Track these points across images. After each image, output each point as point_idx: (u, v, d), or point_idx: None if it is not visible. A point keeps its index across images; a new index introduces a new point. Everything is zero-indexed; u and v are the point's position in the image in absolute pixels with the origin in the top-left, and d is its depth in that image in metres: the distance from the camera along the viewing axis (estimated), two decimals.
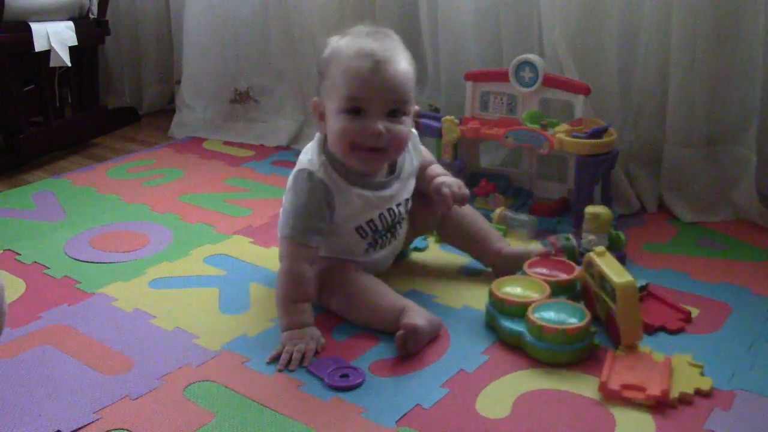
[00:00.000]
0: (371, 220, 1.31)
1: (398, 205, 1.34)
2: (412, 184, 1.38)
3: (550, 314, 1.19)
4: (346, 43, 1.25)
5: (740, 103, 1.66)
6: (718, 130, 1.71)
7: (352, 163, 1.27)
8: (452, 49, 1.95)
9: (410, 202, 1.38)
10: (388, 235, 1.36)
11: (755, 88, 1.62)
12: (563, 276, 1.32)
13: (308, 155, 1.31)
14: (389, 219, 1.33)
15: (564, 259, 1.39)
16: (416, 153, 1.38)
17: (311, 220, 1.26)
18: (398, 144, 1.26)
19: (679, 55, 1.65)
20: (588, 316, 1.19)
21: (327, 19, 2.14)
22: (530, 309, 1.20)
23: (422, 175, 1.41)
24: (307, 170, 1.27)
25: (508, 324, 1.21)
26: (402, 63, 1.24)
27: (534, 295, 1.25)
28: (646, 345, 1.18)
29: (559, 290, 1.29)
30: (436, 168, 1.42)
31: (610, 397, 1.08)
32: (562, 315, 1.19)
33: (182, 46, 2.48)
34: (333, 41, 1.28)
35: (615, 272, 1.17)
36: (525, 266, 1.36)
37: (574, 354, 1.16)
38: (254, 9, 2.36)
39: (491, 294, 1.27)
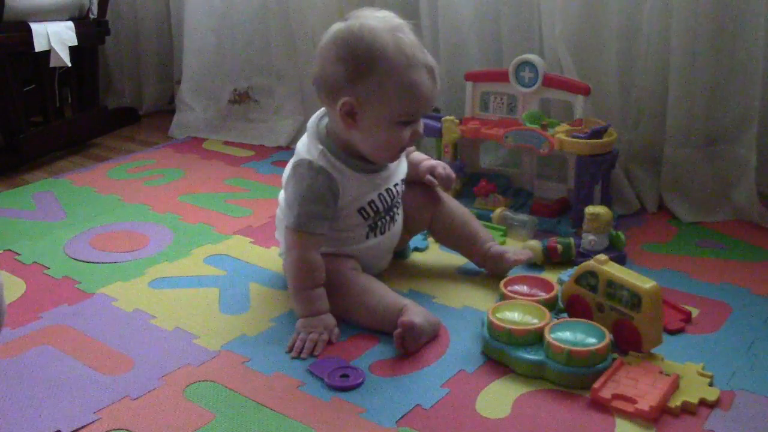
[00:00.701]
0: (372, 201, 1.32)
1: (395, 185, 1.36)
2: (404, 167, 1.40)
3: (567, 335, 1.14)
4: (391, 48, 1.20)
5: (740, 103, 1.66)
6: (718, 130, 1.71)
7: (385, 162, 1.31)
8: (452, 49, 1.95)
9: (404, 184, 1.40)
10: (387, 218, 1.36)
11: (755, 88, 1.62)
12: (543, 294, 1.29)
13: (305, 147, 1.31)
14: (388, 199, 1.34)
15: (541, 276, 1.36)
16: None
17: (315, 206, 1.26)
18: None
19: (679, 55, 1.65)
20: (606, 331, 1.14)
21: (327, 19, 2.14)
22: (547, 335, 1.14)
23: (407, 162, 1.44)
24: (306, 160, 1.28)
25: (524, 354, 1.14)
26: None
27: (534, 320, 1.19)
28: (658, 351, 1.17)
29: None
30: (419, 154, 1.47)
31: (599, 404, 1.06)
32: (579, 335, 1.14)
33: (182, 46, 2.48)
34: (365, 35, 1.20)
35: (635, 278, 1.15)
36: (501, 286, 1.32)
37: (599, 374, 1.10)
38: (254, 9, 2.36)
39: (492, 326, 1.18)
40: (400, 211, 1.42)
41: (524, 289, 1.32)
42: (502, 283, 1.33)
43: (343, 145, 1.29)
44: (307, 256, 1.27)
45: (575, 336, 1.14)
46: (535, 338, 1.16)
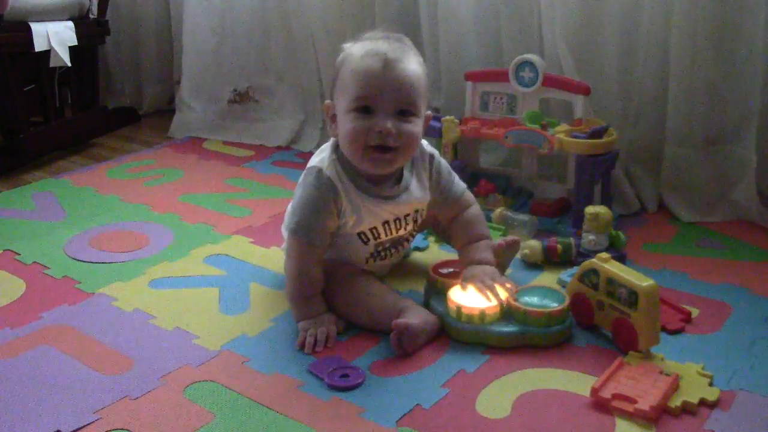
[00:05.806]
0: (374, 228, 1.31)
1: (406, 215, 1.33)
2: (418, 194, 1.32)
3: (535, 301, 1.23)
4: (358, 46, 1.25)
5: (740, 103, 1.66)
6: (718, 130, 1.71)
7: (364, 166, 1.25)
8: (452, 49, 1.95)
9: (422, 215, 1.36)
10: (393, 250, 1.35)
11: (755, 88, 1.62)
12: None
13: (321, 154, 1.32)
14: (394, 229, 1.32)
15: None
16: (425, 171, 1.34)
17: (317, 217, 1.26)
18: (409, 144, 1.24)
19: (679, 55, 1.65)
20: (562, 291, 1.26)
21: (326, 18, 2.14)
22: (522, 306, 1.22)
23: (458, 231, 1.37)
24: (316, 167, 1.28)
25: (503, 328, 1.21)
26: (412, 64, 1.24)
27: (492, 299, 1.23)
28: (658, 351, 1.17)
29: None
30: (480, 250, 1.33)
31: (600, 404, 1.07)
32: (544, 300, 1.24)
33: (182, 46, 2.48)
34: (346, 47, 1.27)
35: (634, 276, 1.16)
36: (430, 270, 1.33)
37: (570, 329, 1.24)
38: (254, 9, 2.36)
39: (462, 312, 1.22)
40: (411, 241, 1.40)
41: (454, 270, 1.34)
42: (430, 267, 1.35)
43: (351, 162, 1.28)
44: (306, 270, 1.27)
45: (542, 301, 1.24)
46: (503, 313, 1.24)
